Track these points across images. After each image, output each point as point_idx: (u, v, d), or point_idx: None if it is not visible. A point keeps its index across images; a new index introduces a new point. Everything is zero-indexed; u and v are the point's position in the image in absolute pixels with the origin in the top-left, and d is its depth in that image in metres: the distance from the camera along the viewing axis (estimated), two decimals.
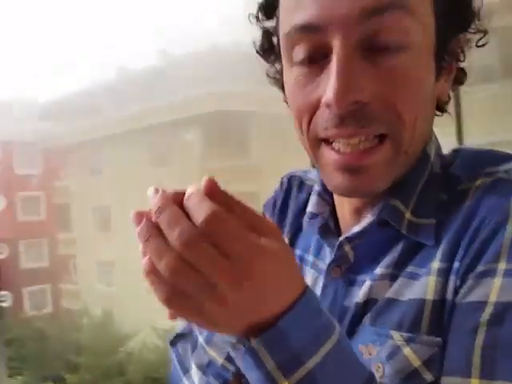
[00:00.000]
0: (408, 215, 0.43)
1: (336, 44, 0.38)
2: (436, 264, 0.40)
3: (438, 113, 0.45)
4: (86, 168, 7.70)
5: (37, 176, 9.15)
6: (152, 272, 0.31)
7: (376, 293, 0.42)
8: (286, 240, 0.52)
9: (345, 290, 0.44)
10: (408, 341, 0.40)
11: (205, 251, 0.31)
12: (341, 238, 0.45)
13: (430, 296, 0.40)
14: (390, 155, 0.39)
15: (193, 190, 0.33)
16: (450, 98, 0.46)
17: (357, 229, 0.43)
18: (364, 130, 0.39)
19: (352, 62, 0.38)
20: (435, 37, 0.40)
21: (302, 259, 0.50)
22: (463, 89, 0.48)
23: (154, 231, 0.32)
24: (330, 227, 0.47)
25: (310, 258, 0.49)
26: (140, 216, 0.33)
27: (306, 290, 0.34)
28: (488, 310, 0.36)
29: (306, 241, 0.50)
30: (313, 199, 0.50)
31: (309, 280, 0.48)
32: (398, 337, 0.41)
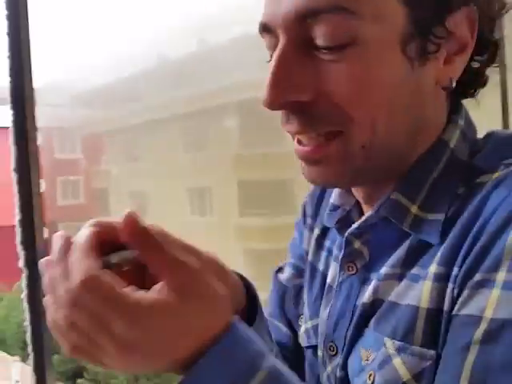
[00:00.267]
0: (414, 210, 0.40)
1: (279, 43, 0.38)
2: (433, 268, 0.37)
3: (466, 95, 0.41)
4: (124, 154, 7.84)
5: (77, 161, 9.37)
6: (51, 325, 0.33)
7: (382, 293, 0.40)
8: (318, 231, 0.51)
9: (359, 288, 0.43)
10: (399, 350, 0.37)
11: (83, 314, 0.32)
12: (346, 234, 0.43)
13: (424, 304, 0.37)
14: (341, 150, 0.37)
15: (79, 242, 0.34)
16: (466, 77, 0.40)
17: (355, 224, 0.42)
18: (311, 127, 0.38)
19: (290, 62, 0.37)
20: (411, 23, 0.37)
21: (329, 251, 0.49)
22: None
23: (49, 287, 0.32)
24: (350, 220, 0.45)
25: (335, 251, 0.48)
26: (44, 266, 0.34)
27: (218, 339, 0.32)
28: (482, 327, 0.32)
29: (335, 232, 0.48)
30: (336, 190, 0.48)
31: (331, 274, 0.48)
32: (390, 345, 0.38)
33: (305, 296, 0.52)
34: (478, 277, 0.33)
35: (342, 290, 0.44)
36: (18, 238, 0.89)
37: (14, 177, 0.88)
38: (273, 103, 0.37)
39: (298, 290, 0.54)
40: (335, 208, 0.48)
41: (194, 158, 5.45)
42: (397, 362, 0.37)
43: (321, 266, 0.50)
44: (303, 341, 0.52)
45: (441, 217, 0.38)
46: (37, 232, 0.91)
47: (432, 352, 0.35)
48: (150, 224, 0.36)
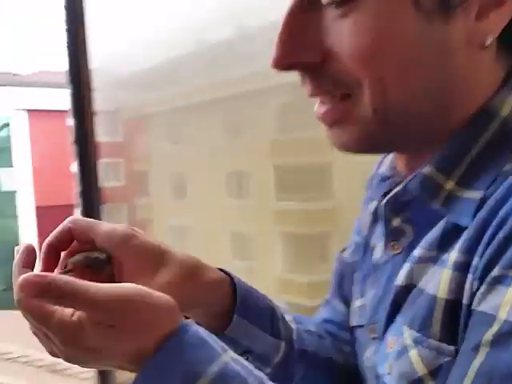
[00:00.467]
0: (450, 185, 0.36)
1: (289, 2, 0.38)
2: (454, 255, 0.34)
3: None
4: (163, 137, 7.92)
5: (118, 144, 9.52)
6: None
7: (416, 277, 0.38)
8: (376, 204, 0.48)
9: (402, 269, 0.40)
10: (416, 342, 0.35)
11: (33, 328, 0.37)
12: (382, 209, 0.41)
13: (442, 294, 0.34)
14: (352, 113, 0.36)
15: (14, 263, 0.39)
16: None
17: (384, 199, 0.41)
18: (323, 90, 0.37)
19: (298, 22, 0.36)
20: None
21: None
22: None
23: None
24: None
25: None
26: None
27: (159, 347, 0.34)
28: (494, 328, 0.31)
29: None
30: (387, 159, 0.46)
31: (379, 251, 0.46)
32: (407, 335, 0.36)
33: (356, 273, 0.52)
34: (496, 271, 0.32)
35: (385, 270, 0.43)
36: (79, 209, 0.96)
37: (74, 149, 0.94)
38: (278, 63, 0.37)
39: (356, 267, 0.54)
40: (384, 179, 0.46)
41: (231, 142, 5.48)
42: (413, 354, 0.36)
43: (373, 242, 0.49)
44: (352, 320, 0.51)
45: (478, 195, 0.35)
46: (95, 202, 0.96)
47: (451, 348, 0.34)
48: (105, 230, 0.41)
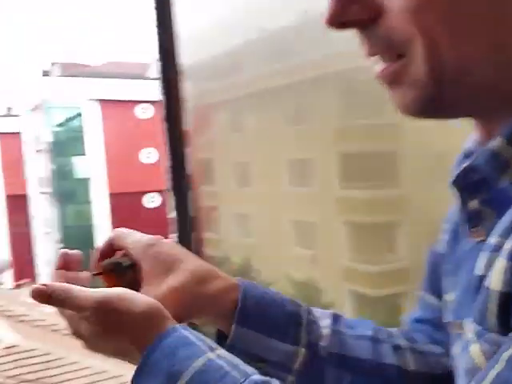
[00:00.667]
0: None
1: None
2: (510, 242, 0.30)
3: None
4: (227, 125, 8.02)
5: (186, 132, 9.73)
6: None
7: (491, 267, 0.33)
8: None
9: None
10: (478, 336, 0.32)
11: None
12: (455, 192, 0.37)
13: (495, 286, 0.31)
14: (407, 73, 0.33)
15: (52, 275, 0.47)
16: None
17: (452, 177, 0.37)
18: (377, 49, 0.34)
19: None
20: None
21: None
22: None
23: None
24: None
25: None
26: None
27: (147, 349, 0.37)
28: None
29: None
30: (473, 132, 0.41)
31: (466, 239, 0.42)
32: (470, 328, 0.33)
33: (446, 265, 0.47)
34: None
35: (469, 260, 0.38)
36: (169, 184, 1.03)
37: (163, 127, 1.02)
38: (331, 22, 0.35)
39: (446, 258, 0.49)
40: (468, 154, 0.41)
41: (295, 130, 5.47)
42: (475, 348, 0.33)
43: (462, 230, 0.43)
44: (444, 316, 0.47)
45: None
46: (184, 188, 1.03)
47: None
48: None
